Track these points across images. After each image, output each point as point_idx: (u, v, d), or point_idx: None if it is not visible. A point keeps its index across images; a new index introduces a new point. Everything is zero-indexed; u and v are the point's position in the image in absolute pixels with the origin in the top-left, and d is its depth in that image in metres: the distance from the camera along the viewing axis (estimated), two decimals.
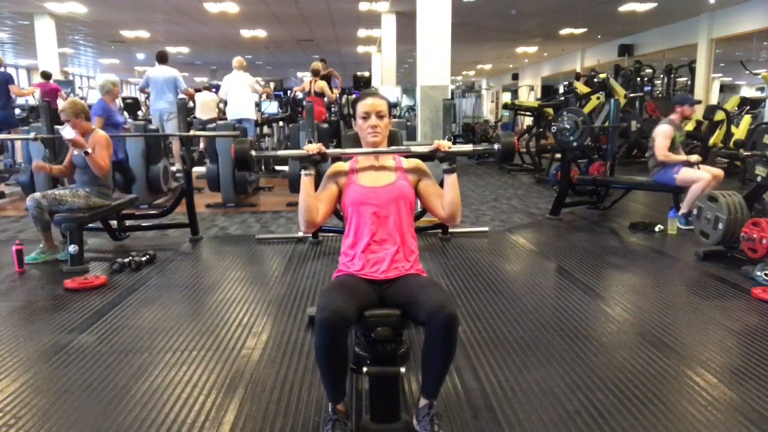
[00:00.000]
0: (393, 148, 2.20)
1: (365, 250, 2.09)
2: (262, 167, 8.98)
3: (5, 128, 7.74)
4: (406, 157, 2.26)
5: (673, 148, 5.16)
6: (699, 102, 5.29)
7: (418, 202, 2.25)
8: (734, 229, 4.02)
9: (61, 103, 9.39)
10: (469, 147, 2.30)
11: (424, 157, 2.29)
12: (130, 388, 2.36)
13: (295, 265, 4.19)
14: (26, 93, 9.49)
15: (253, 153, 2.19)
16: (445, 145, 2.12)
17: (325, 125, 7.46)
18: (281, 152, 2.43)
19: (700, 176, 4.92)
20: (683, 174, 5.00)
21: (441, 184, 2.18)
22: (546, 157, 9.61)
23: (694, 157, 5.18)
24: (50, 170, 4.18)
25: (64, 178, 4.42)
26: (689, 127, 9.76)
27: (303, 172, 2.09)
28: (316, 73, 8.83)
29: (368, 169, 2.18)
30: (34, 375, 2.50)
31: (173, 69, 7.61)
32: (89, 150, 3.98)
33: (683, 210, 5.12)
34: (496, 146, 2.20)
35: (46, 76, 9.92)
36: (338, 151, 2.24)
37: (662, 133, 5.19)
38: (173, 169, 7.41)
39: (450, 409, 2.18)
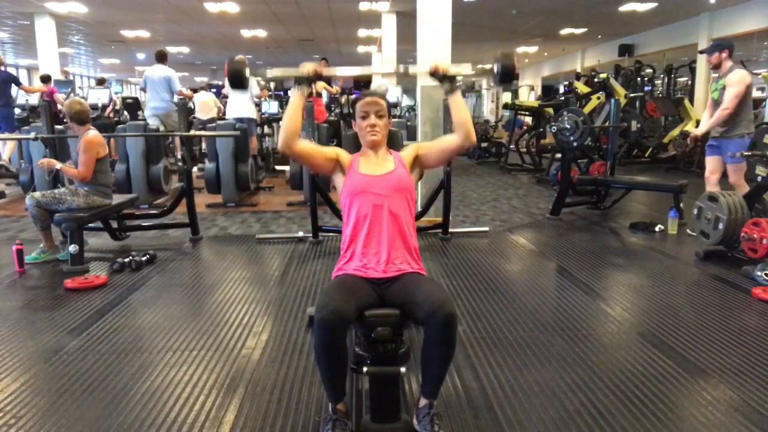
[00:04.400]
0: (386, 67, 2.18)
1: (364, 242, 2.09)
2: (265, 165, 8.98)
3: (5, 127, 7.74)
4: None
5: (715, 105, 4.82)
6: (706, 49, 4.86)
7: (418, 202, 2.25)
8: (735, 229, 4.01)
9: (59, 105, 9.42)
10: (468, 67, 2.21)
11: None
12: (130, 388, 2.36)
13: (295, 265, 4.19)
14: (36, 90, 9.50)
15: (247, 71, 2.17)
16: (443, 65, 2.11)
17: (325, 125, 7.47)
18: (275, 70, 2.34)
19: (708, 178, 4.88)
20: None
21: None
22: (546, 157, 9.60)
23: (690, 136, 5.11)
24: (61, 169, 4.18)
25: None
26: (689, 126, 9.77)
27: (296, 88, 2.11)
28: None
29: (369, 160, 2.20)
30: (34, 375, 2.50)
31: (169, 69, 7.61)
32: (58, 167, 4.12)
33: None
34: (495, 66, 2.17)
35: (44, 79, 9.93)
36: (334, 69, 2.23)
37: None
38: (179, 155, 7.45)
39: (450, 409, 2.17)
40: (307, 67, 2.11)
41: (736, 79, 4.57)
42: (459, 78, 2.19)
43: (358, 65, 21.07)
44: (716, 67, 4.77)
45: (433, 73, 2.12)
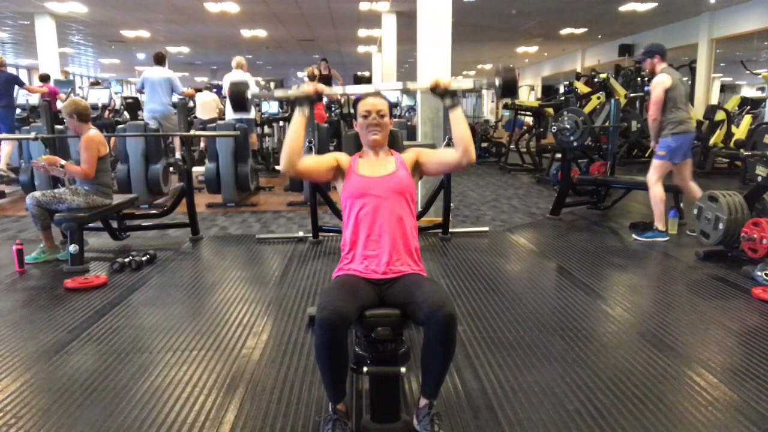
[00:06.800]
0: (388, 84, 2.20)
1: (365, 244, 2.09)
2: (265, 165, 8.98)
3: (4, 129, 7.74)
4: (405, 89, 2.26)
5: None
6: (638, 58, 4.96)
7: (419, 202, 2.26)
8: (735, 229, 4.01)
9: (60, 105, 9.42)
10: (469, 82, 2.24)
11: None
12: (130, 388, 2.36)
13: (295, 265, 4.19)
14: (39, 90, 9.49)
15: (249, 93, 2.18)
16: (443, 81, 2.10)
17: (326, 125, 7.47)
18: (277, 92, 2.38)
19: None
20: None
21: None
22: (546, 157, 9.60)
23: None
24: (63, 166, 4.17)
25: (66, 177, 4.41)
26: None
27: (297, 109, 2.10)
28: (312, 78, 8.83)
29: (369, 161, 2.20)
30: (35, 375, 2.50)
31: (169, 70, 7.60)
32: (63, 163, 4.07)
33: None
34: (496, 81, 2.17)
35: (43, 78, 9.92)
36: (335, 89, 2.25)
37: None
38: (178, 156, 7.45)
39: (450, 409, 2.17)
40: (307, 88, 2.10)
41: (653, 85, 4.68)
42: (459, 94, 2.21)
43: (358, 65, 21.09)
44: (653, 72, 4.83)
45: (434, 89, 2.10)
